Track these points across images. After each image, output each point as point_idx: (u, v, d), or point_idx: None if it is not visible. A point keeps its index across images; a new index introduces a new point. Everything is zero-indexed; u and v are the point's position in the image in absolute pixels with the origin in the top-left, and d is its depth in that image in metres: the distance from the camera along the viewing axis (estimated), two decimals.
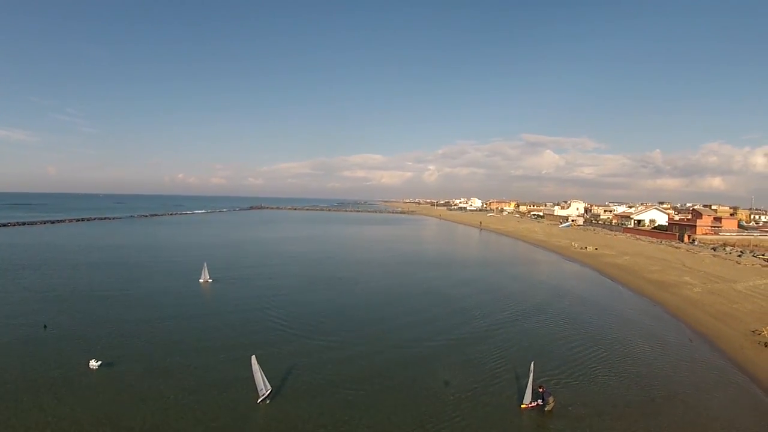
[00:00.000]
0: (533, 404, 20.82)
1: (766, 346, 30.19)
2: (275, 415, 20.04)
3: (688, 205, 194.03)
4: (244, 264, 62.13)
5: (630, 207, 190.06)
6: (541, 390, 21.32)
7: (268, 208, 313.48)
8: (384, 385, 23.40)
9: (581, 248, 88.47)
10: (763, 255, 72.27)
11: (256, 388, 20.95)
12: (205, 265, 49.13)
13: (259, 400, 20.80)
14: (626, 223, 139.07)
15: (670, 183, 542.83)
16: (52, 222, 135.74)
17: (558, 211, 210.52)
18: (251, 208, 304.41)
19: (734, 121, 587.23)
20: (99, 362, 24.30)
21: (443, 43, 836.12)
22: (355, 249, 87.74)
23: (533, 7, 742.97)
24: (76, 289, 43.46)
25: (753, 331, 33.35)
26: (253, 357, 21.45)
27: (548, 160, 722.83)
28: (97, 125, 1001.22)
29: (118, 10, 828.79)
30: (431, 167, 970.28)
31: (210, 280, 47.64)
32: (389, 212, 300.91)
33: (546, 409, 20.76)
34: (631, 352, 30.27)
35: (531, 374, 21.33)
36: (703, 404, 22.25)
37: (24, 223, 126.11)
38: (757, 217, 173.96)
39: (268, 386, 21.25)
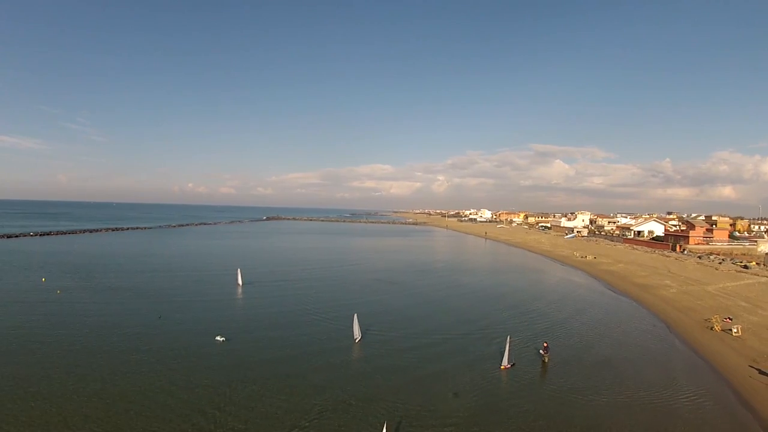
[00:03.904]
0: (509, 366, 29.77)
1: (711, 329, 39.66)
2: (366, 348, 33.08)
3: (693, 215, 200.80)
4: (296, 268, 72.26)
5: (633, 218, 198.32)
6: (545, 345, 31.63)
7: (285, 218, 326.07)
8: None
9: (581, 257, 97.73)
10: (740, 262, 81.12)
11: (353, 335, 34.16)
12: (240, 271, 57.62)
13: (356, 341, 33.76)
14: (627, 234, 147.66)
15: (681, 192, 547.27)
16: (90, 231, 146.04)
17: (564, 222, 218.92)
18: (268, 218, 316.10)
19: (744, 129, 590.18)
20: (223, 338, 34.00)
21: (451, 53, 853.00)
22: (380, 257, 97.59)
23: (542, 16, 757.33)
24: (155, 289, 51.73)
25: (705, 320, 42.73)
26: (355, 315, 34.63)
27: (558, 170, 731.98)
28: (106, 134, 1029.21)
29: (126, 19, 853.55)
30: (440, 177, 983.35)
31: (240, 284, 55.58)
32: (402, 223, 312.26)
33: (545, 361, 30.66)
34: (601, 330, 40.49)
35: (507, 344, 30.40)
36: (649, 363, 31.89)
37: (65, 232, 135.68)
38: (756, 227, 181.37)
39: (360, 333, 33.83)
